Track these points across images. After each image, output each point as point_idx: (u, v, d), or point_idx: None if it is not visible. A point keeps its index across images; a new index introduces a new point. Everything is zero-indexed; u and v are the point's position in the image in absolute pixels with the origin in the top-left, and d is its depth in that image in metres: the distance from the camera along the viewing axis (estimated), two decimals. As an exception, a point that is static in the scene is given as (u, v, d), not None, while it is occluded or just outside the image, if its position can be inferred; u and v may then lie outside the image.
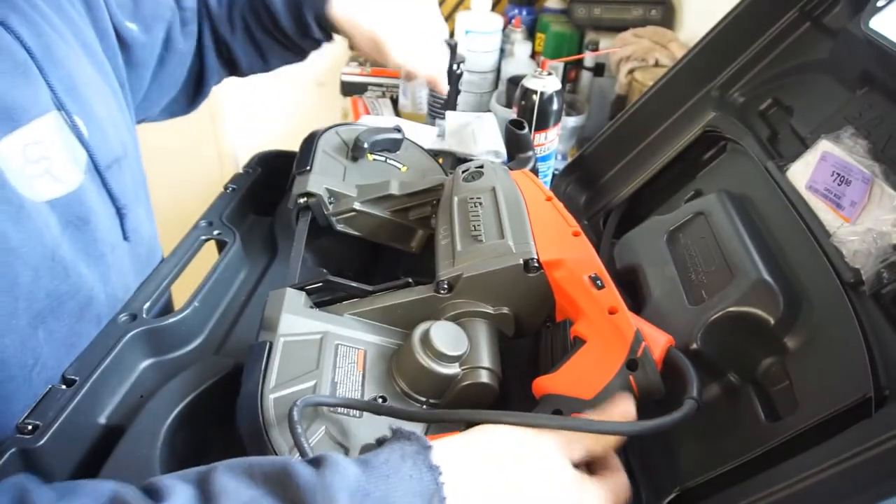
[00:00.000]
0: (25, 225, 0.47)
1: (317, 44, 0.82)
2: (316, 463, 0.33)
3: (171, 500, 0.30)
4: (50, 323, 0.56)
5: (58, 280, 0.54)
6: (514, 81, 1.11)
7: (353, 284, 0.58)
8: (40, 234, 0.49)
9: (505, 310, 0.55)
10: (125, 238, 0.66)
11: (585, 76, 1.25)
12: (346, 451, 0.45)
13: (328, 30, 0.79)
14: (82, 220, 0.55)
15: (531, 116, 0.90)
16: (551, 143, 0.95)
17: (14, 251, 0.47)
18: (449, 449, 0.38)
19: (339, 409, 0.47)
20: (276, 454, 0.44)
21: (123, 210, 0.64)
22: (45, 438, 0.47)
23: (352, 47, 0.82)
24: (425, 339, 0.50)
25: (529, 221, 0.59)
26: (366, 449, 0.45)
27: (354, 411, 0.48)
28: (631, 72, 1.12)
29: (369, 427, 0.47)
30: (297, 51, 0.85)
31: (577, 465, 0.40)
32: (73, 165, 0.54)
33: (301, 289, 0.55)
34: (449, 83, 1.12)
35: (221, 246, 0.72)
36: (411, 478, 0.34)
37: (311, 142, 0.74)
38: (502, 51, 1.30)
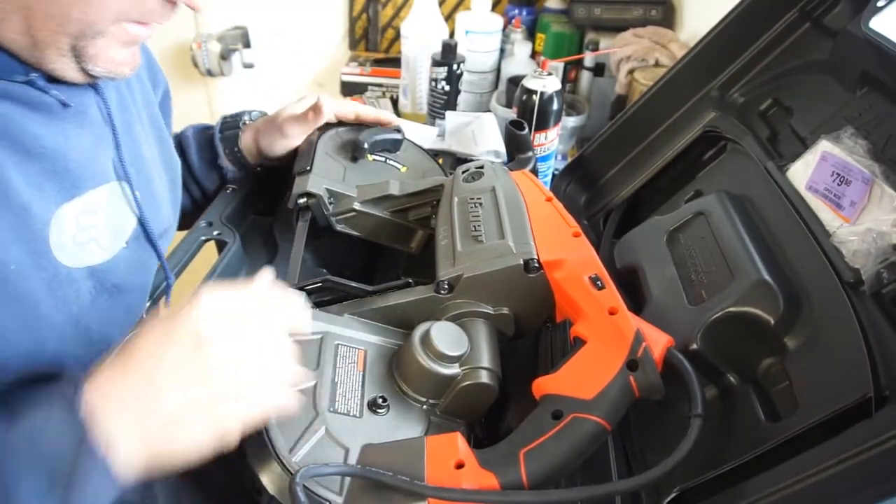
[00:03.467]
0: (56, 292, 0.47)
1: (219, 176, 0.82)
2: None
3: None
4: None
5: (83, 348, 0.52)
6: (514, 81, 1.11)
7: (353, 284, 0.58)
8: (68, 302, 0.49)
9: (505, 310, 0.55)
10: (166, 304, 0.65)
11: (585, 76, 1.25)
12: (347, 451, 0.45)
13: (237, 154, 0.79)
14: (117, 288, 0.55)
15: (531, 116, 0.90)
16: (551, 144, 0.94)
17: (44, 317, 0.47)
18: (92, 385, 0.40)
19: (339, 409, 0.47)
20: (277, 454, 0.44)
21: (170, 281, 0.64)
22: (46, 439, 0.47)
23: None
24: (426, 340, 0.50)
25: (529, 222, 0.59)
26: (367, 449, 0.45)
27: (354, 411, 0.48)
28: (631, 72, 1.12)
29: (369, 427, 0.47)
30: (196, 188, 0.84)
31: None
32: (117, 234, 0.55)
33: (301, 289, 0.55)
34: (449, 83, 1.13)
35: (221, 246, 0.72)
36: (58, 425, 0.37)
37: (311, 142, 0.74)
38: (502, 51, 1.30)
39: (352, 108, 0.77)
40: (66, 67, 0.46)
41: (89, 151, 0.51)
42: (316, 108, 0.73)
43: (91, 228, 0.51)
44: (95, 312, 0.53)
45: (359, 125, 0.79)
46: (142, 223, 0.59)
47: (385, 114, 0.78)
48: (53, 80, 0.48)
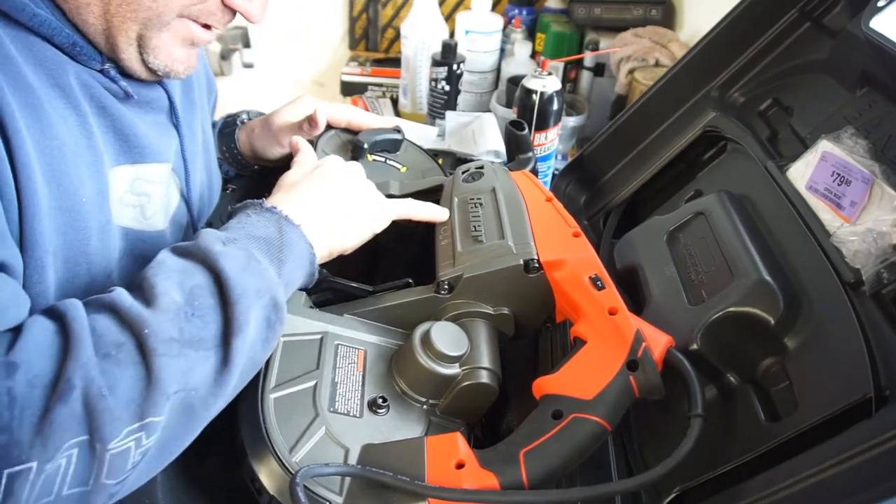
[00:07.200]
0: (103, 238, 0.51)
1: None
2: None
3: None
4: None
5: None
6: (514, 81, 1.11)
7: (353, 284, 0.58)
8: (107, 253, 0.53)
9: (505, 310, 0.55)
10: None
11: (585, 76, 1.25)
12: (347, 451, 0.45)
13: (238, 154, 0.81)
14: (146, 259, 0.57)
15: (531, 116, 0.90)
16: (551, 143, 0.95)
17: (89, 256, 0.51)
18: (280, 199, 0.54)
19: (339, 409, 0.47)
20: (277, 454, 0.44)
21: None
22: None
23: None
24: (426, 340, 0.50)
25: (530, 222, 0.59)
26: (367, 449, 0.45)
27: (354, 411, 0.48)
28: (631, 72, 1.12)
29: (369, 427, 0.47)
30: None
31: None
32: (163, 214, 0.59)
33: (301, 289, 0.55)
34: (449, 83, 1.13)
35: (222, 246, 0.72)
36: (258, 221, 0.49)
37: (311, 143, 0.74)
38: (502, 51, 1.30)
39: (344, 115, 0.77)
40: (132, 59, 0.52)
41: (153, 133, 0.57)
42: (312, 120, 0.73)
43: (142, 196, 0.56)
44: (118, 274, 0.56)
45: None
46: (188, 209, 0.63)
47: (377, 121, 0.78)
48: (125, 74, 0.54)
